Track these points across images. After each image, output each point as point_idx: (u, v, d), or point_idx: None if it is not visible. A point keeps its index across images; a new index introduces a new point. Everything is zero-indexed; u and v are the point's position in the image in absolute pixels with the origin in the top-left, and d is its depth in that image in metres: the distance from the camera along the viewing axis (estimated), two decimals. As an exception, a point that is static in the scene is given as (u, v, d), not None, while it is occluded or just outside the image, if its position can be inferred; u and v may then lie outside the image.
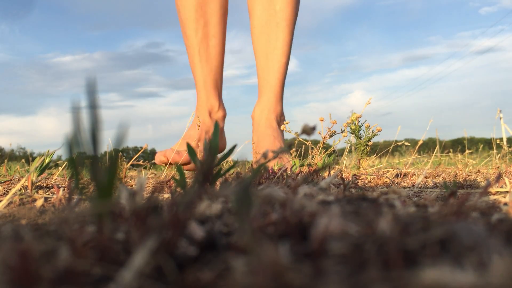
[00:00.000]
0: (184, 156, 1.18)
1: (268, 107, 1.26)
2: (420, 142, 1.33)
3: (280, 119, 1.30)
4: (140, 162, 1.13)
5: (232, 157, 1.57)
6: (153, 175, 1.32)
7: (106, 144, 1.11)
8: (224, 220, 0.27)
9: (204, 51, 1.28)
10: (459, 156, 1.74)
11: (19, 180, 0.85)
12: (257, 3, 1.25)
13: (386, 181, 0.86)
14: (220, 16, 1.28)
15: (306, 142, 1.05)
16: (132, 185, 0.92)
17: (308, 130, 0.30)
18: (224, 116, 1.35)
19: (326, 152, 0.98)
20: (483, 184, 0.83)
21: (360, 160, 1.25)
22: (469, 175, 1.04)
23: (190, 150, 0.39)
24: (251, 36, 1.30)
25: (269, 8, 1.23)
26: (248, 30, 1.31)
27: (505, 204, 0.40)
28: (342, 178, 0.51)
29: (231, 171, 0.93)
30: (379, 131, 1.24)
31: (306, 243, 0.22)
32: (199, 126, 1.19)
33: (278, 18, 1.23)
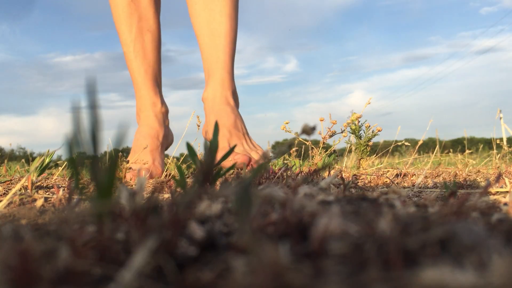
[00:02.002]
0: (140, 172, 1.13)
1: (222, 84, 1.16)
2: (420, 142, 1.33)
3: (234, 99, 1.20)
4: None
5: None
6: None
7: (106, 144, 1.11)
8: (224, 220, 0.27)
9: (140, 47, 1.21)
10: (459, 156, 1.74)
11: (19, 180, 0.85)
12: None
13: (386, 181, 0.86)
14: (154, 9, 1.22)
15: (306, 142, 1.05)
16: (132, 185, 0.92)
17: (308, 130, 0.30)
18: (167, 112, 1.29)
19: (326, 152, 0.98)
20: (483, 184, 0.83)
21: (360, 160, 1.25)
22: (469, 175, 1.04)
23: (190, 150, 0.39)
24: (190, 15, 1.22)
25: None
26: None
27: (505, 204, 0.40)
28: (342, 178, 0.51)
29: (231, 171, 0.93)
30: (379, 131, 1.24)
31: (306, 243, 0.22)
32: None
33: None
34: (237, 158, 0.99)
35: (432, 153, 1.62)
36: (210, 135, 1.13)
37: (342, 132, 1.04)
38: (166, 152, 1.31)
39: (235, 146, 0.42)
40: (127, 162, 0.90)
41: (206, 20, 1.18)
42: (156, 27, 1.25)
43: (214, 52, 1.18)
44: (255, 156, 1.04)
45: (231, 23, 1.18)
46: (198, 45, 1.24)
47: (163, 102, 1.27)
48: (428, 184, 0.85)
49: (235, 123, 1.12)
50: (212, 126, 1.11)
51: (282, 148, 0.32)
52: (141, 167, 1.10)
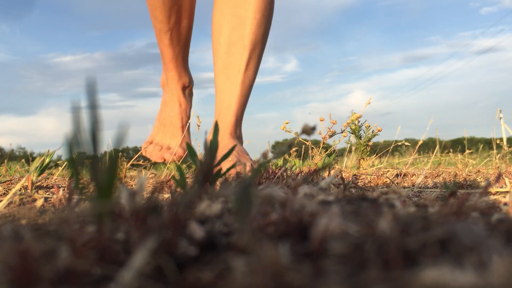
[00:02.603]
0: (178, 152, 1.19)
1: (229, 128, 1.18)
2: (420, 142, 1.33)
3: (240, 141, 1.24)
4: (140, 162, 1.13)
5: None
6: (153, 175, 1.32)
7: (106, 144, 1.11)
8: (224, 220, 0.27)
9: (176, 34, 1.26)
10: (459, 156, 1.74)
11: (19, 180, 0.85)
12: (226, 21, 1.18)
13: (386, 181, 0.86)
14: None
15: (306, 142, 1.05)
16: (132, 185, 0.92)
17: (308, 130, 0.30)
18: (192, 85, 1.39)
19: (326, 152, 0.98)
20: (483, 184, 0.83)
21: (360, 160, 1.25)
22: (469, 175, 1.04)
23: (191, 150, 0.39)
24: (213, 52, 1.23)
25: (239, 29, 1.16)
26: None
27: (505, 204, 0.40)
28: (342, 178, 0.51)
29: (231, 171, 0.93)
30: (379, 131, 1.24)
31: (306, 243, 0.22)
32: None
33: (246, 40, 1.16)
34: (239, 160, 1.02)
35: (432, 153, 1.62)
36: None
37: (342, 132, 1.04)
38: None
39: (235, 146, 0.42)
40: (127, 162, 0.90)
41: (226, 64, 1.20)
42: (192, 14, 1.27)
43: (227, 97, 1.20)
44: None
45: (250, 72, 1.20)
46: (214, 84, 1.26)
47: (190, 79, 1.36)
48: (428, 184, 0.85)
49: (243, 150, 1.16)
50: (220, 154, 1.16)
51: (282, 148, 0.32)
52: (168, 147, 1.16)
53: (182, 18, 1.24)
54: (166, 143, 1.29)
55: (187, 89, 1.36)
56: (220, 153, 1.20)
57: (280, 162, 1.20)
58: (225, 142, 1.17)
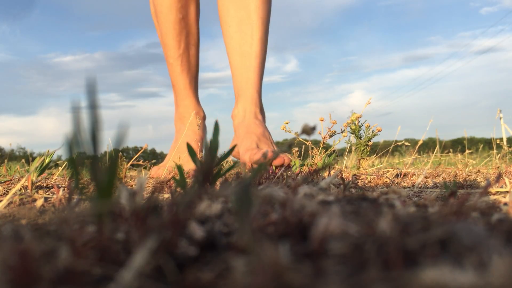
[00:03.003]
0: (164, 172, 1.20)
1: (251, 102, 1.25)
2: (420, 142, 1.33)
3: (262, 115, 1.29)
4: (140, 162, 1.13)
5: (232, 157, 1.57)
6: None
7: (106, 144, 1.11)
8: (224, 220, 0.27)
9: (186, 61, 1.32)
10: (459, 156, 1.74)
11: (19, 180, 0.85)
12: (230, 2, 1.25)
13: (386, 181, 0.86)
14: (198, 24, 1.32)
15: (306, 142, 1.05)
16: (132, 185, 0.92)
17: (308, 130, 0.30)
18: (205, 118, 1.43)
19: (326, 152, 0.98)
20: (483, 184, 0.83)
21: (360, 160, 1.25)
22: (469, 175, 1.04)
23: (191, 150, 0.39)
24: (223, 35, 1.30)
25: (244, 7, 1.23)
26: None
27: (505, 204, 0.40)
28: (342, 178, 0.51)
29: (231, 171, 0.93)
30: (379, 131, 1.24)
31: (306, 243, 0.22)
32: (199, 125, 1.21)
33: (253, 16, 1.23)
34: (276, 159, 1.04)
35: (432, 153, 1.62)
36: (239, 149, 1.19)
37: (342, 132, 1.04)
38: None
39: (235, 146, 0.42)
40: (127, 162, 0.90)
41: (238, 42, 1.26)
42: (198, 41, 1.35)
43: (244, 72, 1.26)
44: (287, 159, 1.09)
45: (262, 46, 1.26)
46: (229, 65, 1.32)
47: (201, 109, 1.41)
48: (428, 184, 0.85)
49: (264, 133, 1.19)
50: (241, 140, 1.18)
51: (282, 148, 0.32)
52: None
53: (190, 45, 1.31)
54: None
55: (201, 119, 1.38)
56: (243, 133, 1.26)
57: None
58: (247, 122, 1.23)
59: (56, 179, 1.00)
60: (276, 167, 1.00)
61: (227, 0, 1.26)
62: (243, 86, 1.26)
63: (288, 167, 0.96)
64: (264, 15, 1.24)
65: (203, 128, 1.39)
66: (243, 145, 1.15)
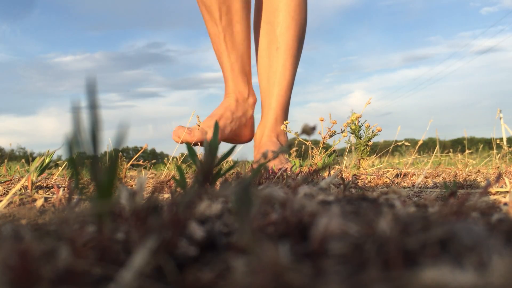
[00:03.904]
0: (197, 136, 1.17)
1: (269, 127, 1.27)
2: (420, 142, 1.33)
3: (282, 139, 1.30)
4: (140, 162, 1.13)
5: (232, 157, 1.57)
6: (153, 175, 1.32)
7: (106, 144, 1.11)
8: (224, 220, 0.27)
9: (229, 38, 1.26)
10: (459, 156, 1.74)
11: (19, 180, 0.85)
12: (261, 27, 1.27)
13: (386, 181, 0.86)
14: (242, 1, 1.26)
15: (306, 142, 1.05)
16: (132, 185, 0.92)
17: (308, 130, 0.30)
18: (254, 103, 1.36)
19: (326, 152, 0.98)
20: (483, 184, 0.83)
21: (360, 160, 1.25)
22: (469, 175, 1.04)
23: (190, 150, 0.39)
24: (256, 59, 1.31)
25: (270, 33, 1.24)
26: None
27: (505, 204, 0.40)
28: (342, 178, 0.51)
29: (231, 171, 0.93)
30: (379, 131, 1.24)
31: (306, 243, 0.22)
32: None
33: (278, 43, 1.24)
34: (282, 165, 1.07)
35: (432, 153, 1.62)
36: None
37: (342, 132, 1.04)
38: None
39: (235, 146, 0.42)
40: (127, 162, 0.90)
41: (265, 68, 1.28)
42: (245, 19, 1.29)
43: (267, 98, 1.29)
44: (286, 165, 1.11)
45: (286, 73, 1.27)
46: (259, 86, 1.34)
47: (250, 92, 1.34)
48: (428, 184, 0.85)
49: (271, 149, 1.22)
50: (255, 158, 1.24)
51: (282, 148, 0.32)
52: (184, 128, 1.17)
53: (234, 21, 1.26)
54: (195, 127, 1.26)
55: (247, 102, 1.32)
56: (259, 149, 1.26)
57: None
58: (264, 140, 1.26)
59: (56, 179, 1.00)
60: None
61: (258, 24, 1.27)
62: (265, 112, 1.30)
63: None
64: (290, 41, 1.24)
65: (242, 108, 1.30)
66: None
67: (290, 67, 1.27)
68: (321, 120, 1.03)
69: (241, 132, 1.32)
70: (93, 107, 0.21)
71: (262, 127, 1.29)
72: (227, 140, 1.32)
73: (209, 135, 1.20)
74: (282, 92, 1.27)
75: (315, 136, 1.13)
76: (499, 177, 0.44)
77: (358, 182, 0.86)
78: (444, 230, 0.21)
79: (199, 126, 1.18)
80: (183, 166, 1.33)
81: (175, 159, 1.30)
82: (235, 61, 1.28)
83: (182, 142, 1.19)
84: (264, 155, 0.33)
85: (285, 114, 1.31)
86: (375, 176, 0.90)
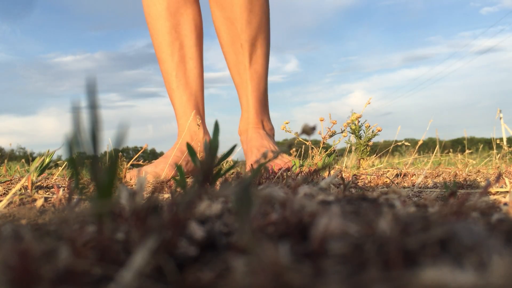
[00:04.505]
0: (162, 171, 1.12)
1: (252, 121, 1.26)
2: (420, 142, 1.33)
3: (267, 129, 1.29)
4: (140, 162, 1.13)
5: (232, 157, 1.57)
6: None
7: (106, 144, 1.11)
8: (224, 220, 0.27)
9: (182, 75, 1.22)
10: (459, 156, 1.74)
11: (19, 180, 0.85)
12: (221, 23, 1.22)
13: (386, 181, 0.86)
14: (195, 37, 1.24)
15: (306, 142, 1.05)
16: (132, 185, 0.92)
17: (308, 130, 0.30)
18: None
19: (326, 152, 0.98)
20: (483, 184, 0.83)
21: (360, 160, 1.25)
22: (469, 175, 1.04)
23: (190, 150, 0.39)
24: (222, 52, 1.28)
25: (231, 29, 1.20)
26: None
27: (505, 204, 0.40)
28: (342, 178, 0.51)
29: (231, 171, 0.93)
30: (379, 131, 1.24)
31: (306, 243, 0.22)
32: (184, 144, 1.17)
33: (241, 39, 1.20)
34: (277, 163, 1.07)
35: (432, 153, 1.62)
36: (247, 154, 1.22)
37: (342, 132, 1.04)
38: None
39: (235, 145, 0.42)
40: (127, 162, 0.90)
41: (233, 64, 1.25)
42: (198, 56, 1.26)
43: (243, 94, 1.27)
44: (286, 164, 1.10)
45: (256, 66, 1.24)
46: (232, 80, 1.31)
47: (204, 130, 1.27)
48: (428, 184, 0.85)
49: (262, 143, 1.20)
50: (246, 156, 1.21)
51: (282, 148, 0.32)
52: (142, 169, 1.12)
53: (187, 58, 1.23)
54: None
55: (202, 139, 1.24)
56: (248, 143, 1.24)
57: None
58: (250, 133, 1.24)
59: (56, 179, 1.00)
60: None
61: (217, 21, 1.22)
62: (244, 107, 1.28)
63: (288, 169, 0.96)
64: (254, 35, 1.21)
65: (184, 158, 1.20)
66: (248, 161, 1.17)
67: (259, 60, 1.24)
68: (321, 120, 1.03)
69: (193, 169, 1.28)
70: (93, 107, 0.21)
71: (245, 121, 1.27)
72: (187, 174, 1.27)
73: (160, 177, 1.14)
74: (256, 87, 1.25)
75: (315, 136, 1.14)
76: (499, 177, 0.44)
77: (358, 182, 0.86)
78: (444, 230, 0.21)
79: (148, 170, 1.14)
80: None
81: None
82: (187, 100, 1.23)
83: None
84: (264, 155, 0.33)
85: (264, 105, 1.30)
86: (375, 176, 0.90)
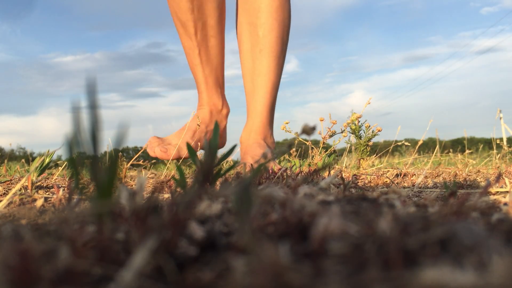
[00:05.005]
0: (173, 154, 1.18)
1: (255, 131, 1.27)
2: (420, 142, 1.33)
3: (269, 142, 1.30)
4: (140, 162, 1.13)
5: (232, 157, 1.57)
6: (153, 175, 1.32)
7: (106, 144, 1.11)
8: (224, 220, 0.27)
9: (204, 52, 1.28)
10: (459, 156, 1.74)
11: (19, 180, 0.85)
12: (243, 28, 1.26)
13: (386, 181, 0.86)
14: (217, 16, 1.27)
15: (306, 142, 1.05)
16: (132, 185, 0.92)
17: (308, 130, 0.30)
18: (227, 114, 1.37)
19: (326, 152, 0.98)
20: (483, 184, 0.83)
21: (360, 160, 1.25)
22: (469, 175, 1.04)
23: (190, 150, 0.39)
24: (240, 59, 1.31)
25: (253, 34, 1.24)
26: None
27: (505, 204, 0.40)
28: (342, 178, 0.51)
29: (231, 171, 0.93)
30: (379, 131, 1.24)
31: (306, 243, 0.22)
32: (198, 125, 1.20)
33: (261, 45, 1.23)
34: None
35: (432, 153, 1.62)
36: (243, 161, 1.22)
37: (342, 132, 1.04)
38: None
39: (235, 146, 0.42)
40: (127, 162, 0.90)
41: (248, 70, 1.28)
42: (220, 34, 1.30)
43: (252, 100, 1.29)
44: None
45: (271, 75, 1.26)
46: (244, 87, 1.33)
47: (224, 103, 1.34)
48: (428, 184, 0.85)
49: (259, 154, 1.21)
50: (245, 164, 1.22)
51: (282, 148, 0.32)
52: (167, 139, 1.17)
53: (209, 36, 1.27)
54: (169, 141, 1.26)
55: (221, 113, 1.33)
56: (246, 152, 1.25)
57: (281, 163, 1.20)
58: (250, 143, 1.25)
59: (56, 179, 1.00)
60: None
61: (241, 27, 1.27)
62: (251, 115, 1.29)
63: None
64: (273, 42, 1.23)
65: (203, 130, 1.31)
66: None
67: (274, 69, 1.26)
68: (321, 120, 1.03)
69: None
70: (93, 107, 0.21)
71: (248, 130, 1.29)
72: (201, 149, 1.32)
73: (183, 153, 1.20)
74: (267, 95, 1.27)
75: (315, 136, 1.14)
76: (499, 177, 0.44)
77: (358, 182, 0.86)
78: (444, 230, 0.21)
79: (170, 142, 1.19)
80: (183, 166, 1.33)
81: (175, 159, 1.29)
82: (209, 74, 1.30)
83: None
84: (264, 156, 0.33)
85: (271, 116, 1.31)
86: (375, 176, 0.90)
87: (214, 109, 1.32)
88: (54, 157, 1.04)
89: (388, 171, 1.16)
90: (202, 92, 1.32)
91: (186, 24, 1.25)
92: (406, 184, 0.84)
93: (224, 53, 1.33)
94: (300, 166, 0.95)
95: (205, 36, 1.26)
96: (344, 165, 1.45)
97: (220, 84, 1.33)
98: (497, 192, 0.57)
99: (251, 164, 0.65)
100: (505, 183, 0.59)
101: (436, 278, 0.15)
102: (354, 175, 0.98)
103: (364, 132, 1.26)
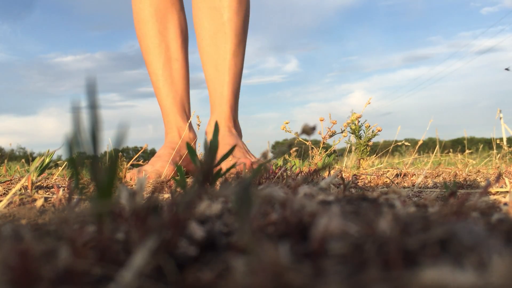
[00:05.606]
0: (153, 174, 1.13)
1: (225, 118, 1.23)
2: (420, 142, 1.33)
3: (237, 130, 1.27)
4: (140, 162, 1.13)
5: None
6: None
7: (106, 144, 1.11)
8: (224, 220, 0.27)
9: (168, 75, 1.26)
10: (459, 156, 1.74)
11: (19, 180, 0.85)
12: (204, 14, 1.23)
13: (386, 181, 0.86)
14: (181, 41, 1.27)
15: (306, 142, 1.05)
16: (132, 185, 0.92)
17: (308, 130, 0.30)
18: (195, 139, 1.32)
19: (326, 152, 0.98)
20: (483, 184, 0.83)
21: (360, 160, 1.25)
22: (469, 175, 1.04)
23: (190, 150, 0.39)
24: (198, 48, 1.28)
25: (216, 18, 1.21)
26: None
27: (505, 204, 0.40)
28: (342, 178, 0.51)
29: (231, 171, 0.93)
30: (379, 131, 1.24)
31: (306, 243, 0.22)
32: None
33: (226, 28, 1.20)
34: (239, 161, 1.04)
35: (432, 153, 1.62)
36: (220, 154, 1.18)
37: (342, 132, 1.04)
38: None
39: (235, 146, 0.42)
40: (127, 162, 0.90)
41: (212, 56, 1.24)
42: (183, 57, 1.29)
43: (218, 87, 1.24)
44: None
45: (235, 59, 1.23)
46: (205, 78, 1.29)
47: (191, 129, 1.29)
48: (428, 184, 0.85)
49: (237, 143, 1.17)
50: (219, 155, 1.18)
51: (282, 148, 0.32)
52: (142, 168, 1.12)
53: (172, 59, 1.25)
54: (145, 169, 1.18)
55: (188, 137, 1.27)
56: (220, 150, 1.22)
57: (280, 162, 1.20)
58: (222, 131, 1.21)
59: (56, 179, 1.00)
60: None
61: (200, 12, 1.23)
62: (217, 102, 1.25)
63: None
64: (239, 26, 1.21)
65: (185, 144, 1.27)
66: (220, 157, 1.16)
67: (239, 53, 1.23)
68: (321, 120, 1.03)
69: (188, 165, 1.27)
70: (93, 107, 0.21)
71: (217, 118, 1.24)
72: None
73: (162, 175, 1.15)
74: (234, 80, 1.23)
75: (315, 136, 1.14)
76: (499, 177, 0.44)
77: (358, 182, 0.86)
78: (444, 230, 0.21)
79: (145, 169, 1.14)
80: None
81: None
82: (173, 98, 1.27)
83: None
84: (264, 155, 0.33)
85: (236, 103, 1.27)
86: (375, 176, 0.90)
87: (182, 132, 1.27)
88: (54, 157, 1.04)
89: (388, 171, 1.16)
90: (168, 115, 1.28)
91: (150, 46, 1.25)
92: (406, 184, 0.84)
93: (189, 78, 1.31)
94: (300, 166, 0.95)
95: (168, 59, 1.25)
96: (344, 165, 1.45)
97: (185, 110, 1.30)
98: (497, 192, 0.57)
99: (251, 165, 0.65)
100: (505, 183, 0.59)
101: (436, 278, 0.15)
102: (354, 175, 0.98)
103: (364, 132, 1.26)
